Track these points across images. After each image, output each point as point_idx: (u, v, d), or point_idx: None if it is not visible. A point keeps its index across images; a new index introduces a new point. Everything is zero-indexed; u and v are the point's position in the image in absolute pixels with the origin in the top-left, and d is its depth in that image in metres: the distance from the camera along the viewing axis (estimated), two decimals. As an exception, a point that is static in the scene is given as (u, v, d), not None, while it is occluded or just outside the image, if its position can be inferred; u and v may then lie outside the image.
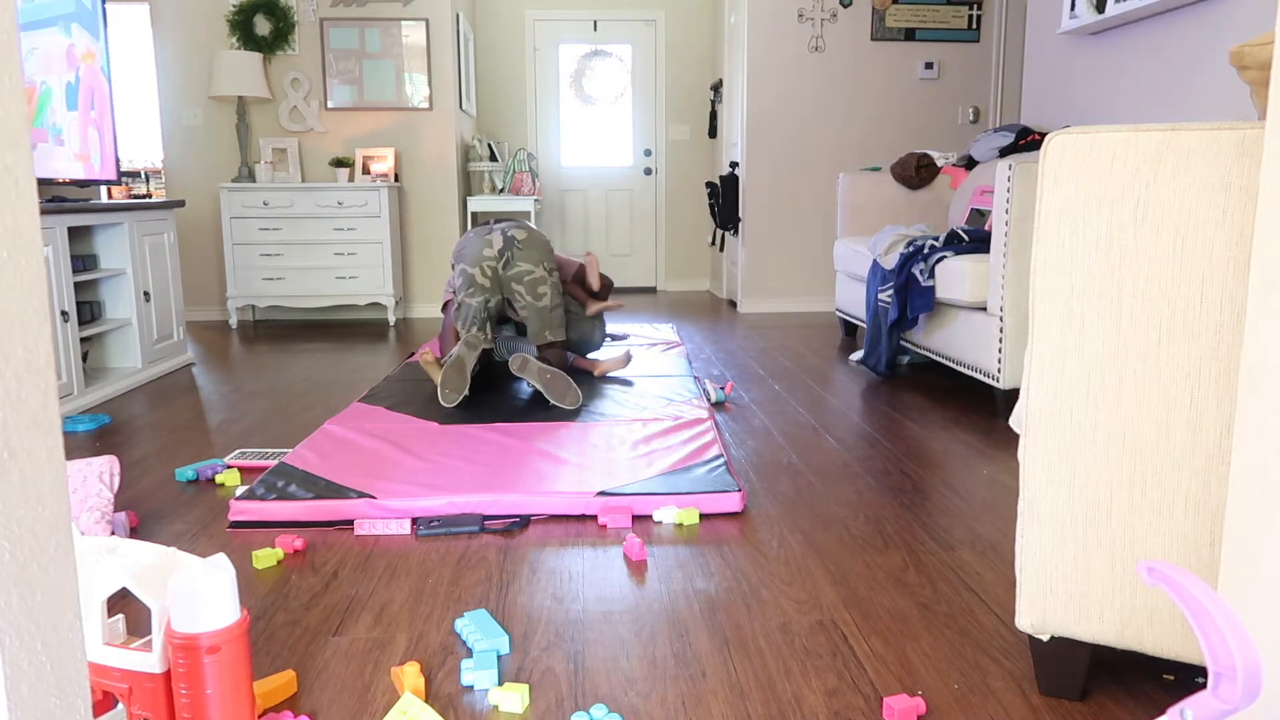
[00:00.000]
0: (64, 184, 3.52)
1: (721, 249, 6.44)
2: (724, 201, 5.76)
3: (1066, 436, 1.20)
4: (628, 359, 3.57)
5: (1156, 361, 1.14)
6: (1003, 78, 5.54)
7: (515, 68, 6.81)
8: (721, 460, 2.36)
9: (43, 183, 3.48)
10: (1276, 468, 0.85)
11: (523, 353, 3.18)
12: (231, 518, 2.06)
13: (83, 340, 3.46)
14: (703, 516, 2.08)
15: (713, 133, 6.83)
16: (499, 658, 1.44)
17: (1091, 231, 1.15)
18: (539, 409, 3.00)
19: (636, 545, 1.84)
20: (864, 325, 3.97)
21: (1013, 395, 2.97)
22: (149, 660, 1.10)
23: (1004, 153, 4.16)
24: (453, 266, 3.47)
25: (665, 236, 7.11)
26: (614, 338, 4.50)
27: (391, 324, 5.36)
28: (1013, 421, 1.36)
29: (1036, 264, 1.20)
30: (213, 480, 2.37)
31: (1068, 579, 1.23)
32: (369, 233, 5.26)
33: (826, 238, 5.70)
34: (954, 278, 3.14)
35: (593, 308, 3.62)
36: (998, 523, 2.04)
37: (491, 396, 3.19)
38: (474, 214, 6.10)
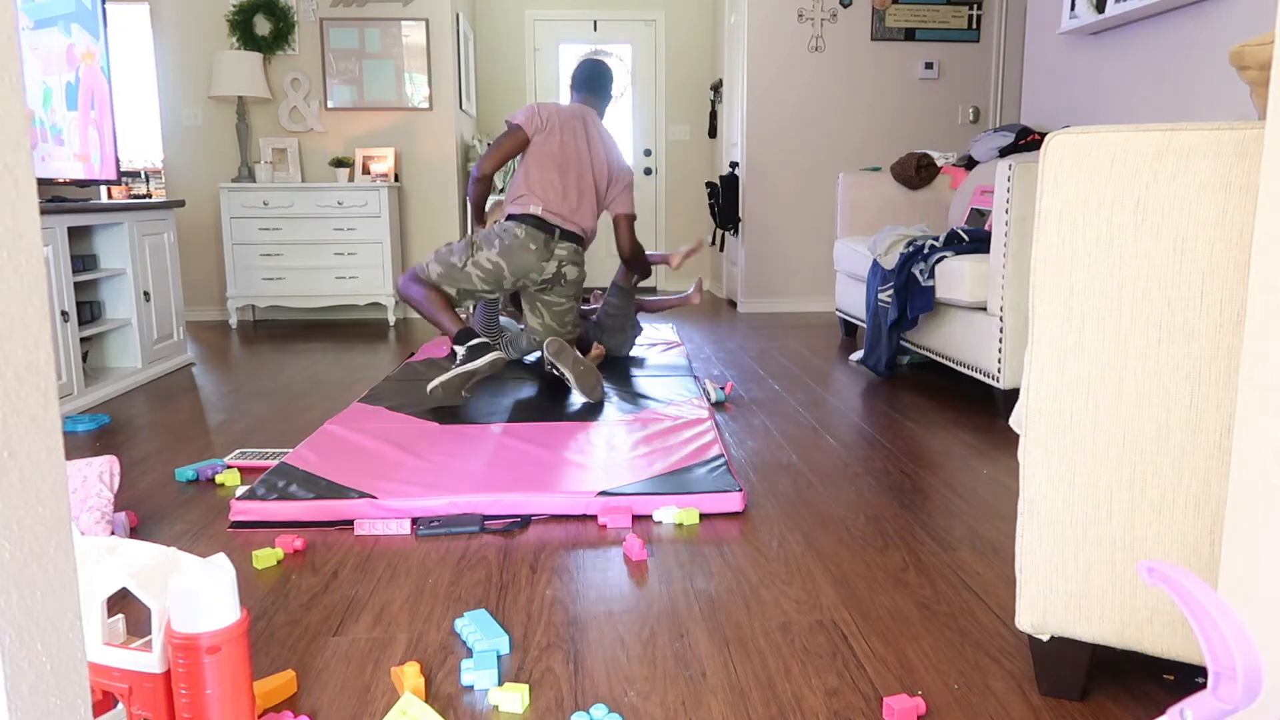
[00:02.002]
0: (64, 184, 3.52)
1: (721, 249, 6.45)
2: (724, 201, 5.76)
3: (1066, 436, 1.20)
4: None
5: (1156, 361, 1.14)
6: (1003, 78, 5.54)
7: (515, 68, 6.81)
8: (722, 460, 2.36)
9: (43, 183, 3.48)
10: (1276, 468, 0.85)
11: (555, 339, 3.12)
12: (232, 518, 2.06)
13: (83, 340, 3.46)
14: (703, 516, 2.08)
15: (713, 133, 6.83)
16: (499, 658, 1.44)
17: (1091, 231, 1.15)
18: (539, 409, 3.00)
19: (636, 545, 1.84)
20: (864, 325, 3.97)
21: (1013, 395, 2.97)
22: (149, 660, 1.10)
23: (1004, 153, 4.16)
24: (474, 245, 3.19)
25: (665, 236, 7.11)
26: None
27: (391, 324, 5.36)
28: (1013, 421, 1.36)
29: (1036, 264, 1.20)
30: (213, 480, 2.37)
31: (1068, 579, 1.23)
32: (369, 233, 5.26)
33: (826, 238, 5.70)
34: (954, 278, 3.14)
35: (677, 258, 3.89)
36: (998, 523, 2.04)
37: (492, 397, 3.19)
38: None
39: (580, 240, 3.31)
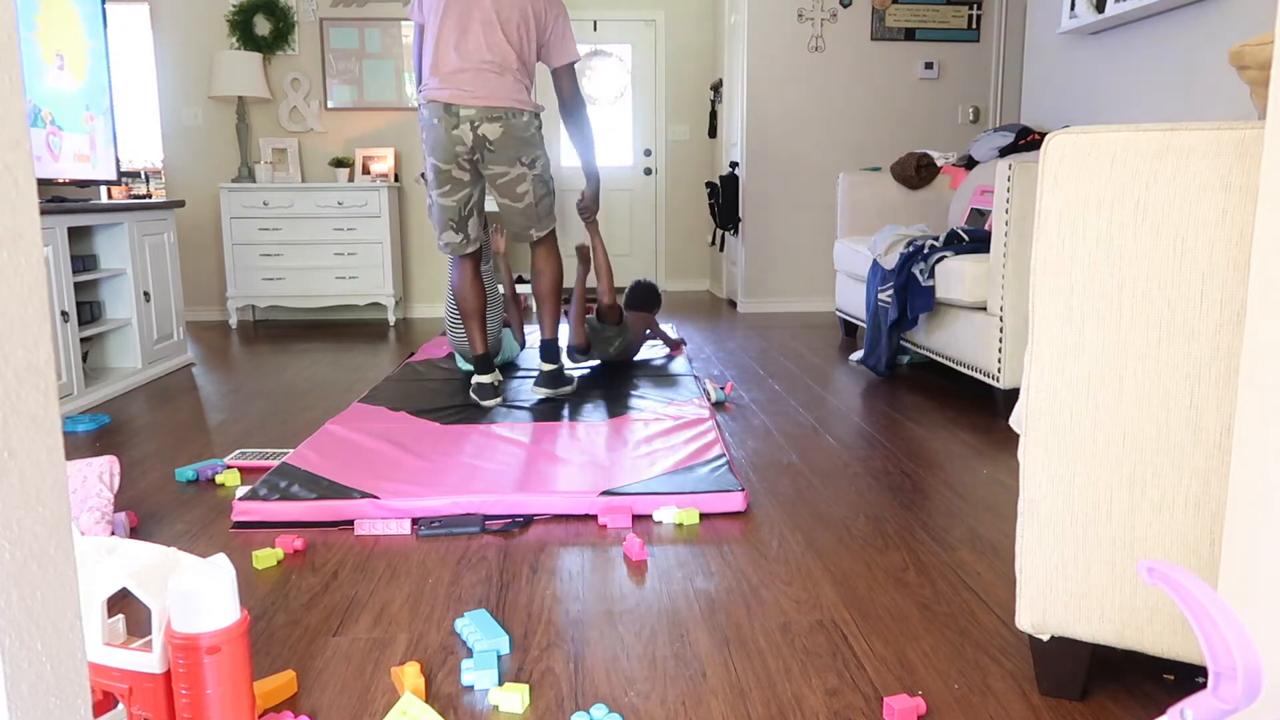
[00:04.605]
0: (64, 184, 3.51)
1: (721, 249, 6.45)
2: (724, 201, 5.76)
3: (1066, 436, 1.20)
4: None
5: (1156, 361, 1.14)
6: (1003, 78, 5.54)
7: (515, 68, 6.81)
8: (724, 460, 2.35)
9: (43, 183, 3.48)
10: (1276, 468, 0.85)
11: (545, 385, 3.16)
12: (235, 518, 2.06)
13: (83, 340, 3.46)
14: (703, 516, 2.08)
15: (713, 133, 6.83)
16: (499, 658, 1.44)
17: (1091, 231, 1.15)
18: (540, 409, 3.00)
19: (636, 545, 1.84)
20: (864, 325, 3.97)
21: (1013, 395, 2.97)
22: (149, 660, 1.10)
23: (1004, 153, 4.16)
24: (423, 175, 3.08)
25: (665, 236, 7.11)
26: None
27: (391, 324, 5.36)
28: (1013, 421, 1.36)
29: (1036, 264, 1.20)
30: (213, 480, 2.37)
31: (1068, 579, 1.23)
32: (369, 233, 5.26)
33: (826, 238, 5.70)
34: (954, 278, 3.14)
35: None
36: (998, 523, 2.04)
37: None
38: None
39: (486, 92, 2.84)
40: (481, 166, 2.92)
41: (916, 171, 4.65)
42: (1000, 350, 2.95)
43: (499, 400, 3.09)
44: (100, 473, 1.89)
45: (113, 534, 1.91)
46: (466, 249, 3.05)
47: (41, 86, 3.31)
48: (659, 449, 2.50)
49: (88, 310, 3.37)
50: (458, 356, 3.68)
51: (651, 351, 4.11)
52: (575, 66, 3.00)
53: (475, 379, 3.10)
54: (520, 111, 2.87)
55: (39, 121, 3.29)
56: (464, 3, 2.84)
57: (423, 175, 3.13)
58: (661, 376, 3.54)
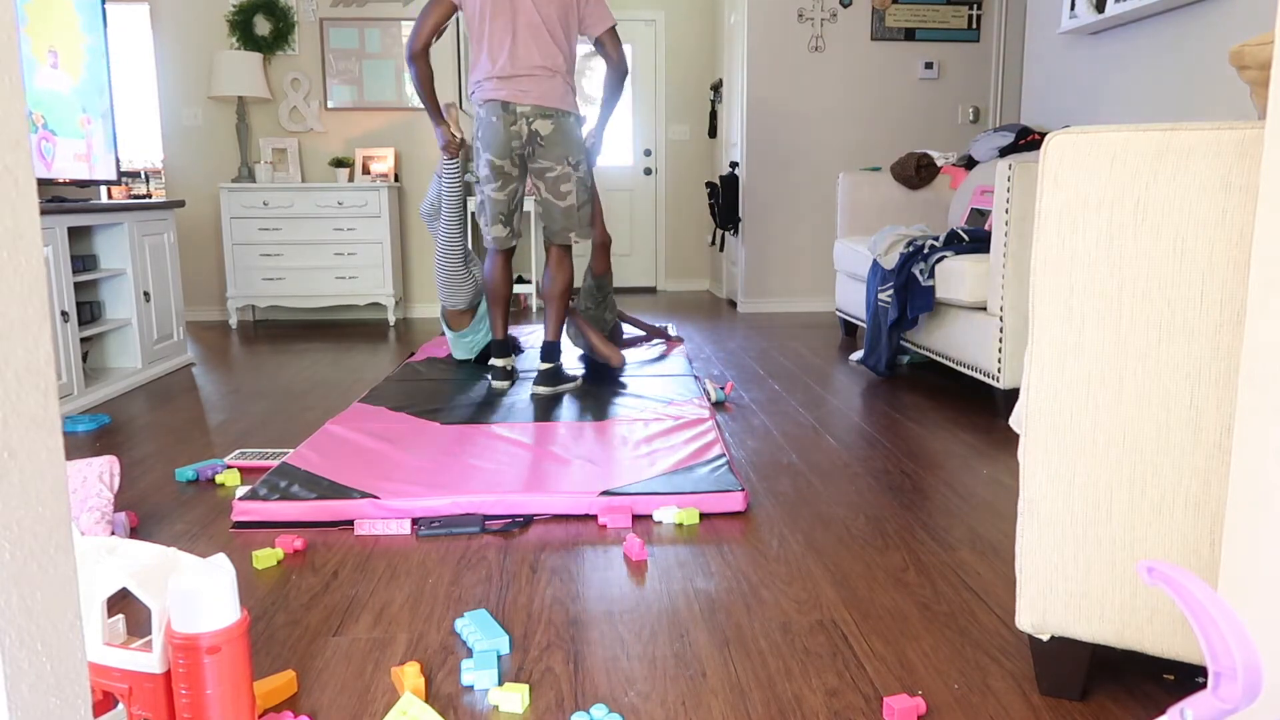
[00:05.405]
0: (64, 184, 3.51)
1: (721, 249, 6.45)
2: (724, 201, 5.76)
3: (1066, 436, 1.20)
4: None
5: (1156, 361, 1.14)
6: (1003, 78, 5.54)
7: (515, 68, 6.80)
8: (724, 460, 2.35)
9: (43, 183, 3.48)
10: (1276, 468, 0.85)
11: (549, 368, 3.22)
12: (235, 518, 2.06)
13: (83, 340, 3.46)
14: (703, 516, 2.08)
15: (713, 133, 6.83)
16: (499, 658, 1.44)
17: (1091, 231, 1.15)
18: (541, 409, 3.00)
19: (636, 545, 1.84)
20: (864, 325, 3.97)
21: (1013, 395, 2.97)
22: (149, 660, 1.10)
23: (1004, 153, 4.16)
24: (472, 174, 3.26)
25: (665, 236, 7.11)
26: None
27: (391, 324, 5.36)
28: (1013, 421, 1.36)
29: (1036, 264, 1.20)
30: (213, 480, 2.37)
31: (1068, 579, 1.23)
32: (369, 233, 5.26)
33: (826, 238, 5.70)
34: (954, 278, 3.14)
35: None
36: (998, 523, 2.04)
37: (493, 396, 3.19)
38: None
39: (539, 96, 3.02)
40: (530, 160, 3.11)
41: (916, 171, 4.65)
42: (1000, 350, 2.95)
43: (510, 383, 3.28)
44: (100, 473, 1.89)
45: (113, 534, 1.91)
46: (510, 242, 3.26)
47: (32, 85, 3.21)
48: (659, 449, 2.50)
49: (88, 310, 3.37)
50: (451, 339, 3.74)
51: (650, 351, 4.11)
52: (616, 30, 3.16)
53: (492, 361, 3.30)
54: (568, 113, 3.08)
55: (30, 125, 3.24)
56: (509, 3, 2.99)
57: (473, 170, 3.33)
58: (661, 376, 3.54)
